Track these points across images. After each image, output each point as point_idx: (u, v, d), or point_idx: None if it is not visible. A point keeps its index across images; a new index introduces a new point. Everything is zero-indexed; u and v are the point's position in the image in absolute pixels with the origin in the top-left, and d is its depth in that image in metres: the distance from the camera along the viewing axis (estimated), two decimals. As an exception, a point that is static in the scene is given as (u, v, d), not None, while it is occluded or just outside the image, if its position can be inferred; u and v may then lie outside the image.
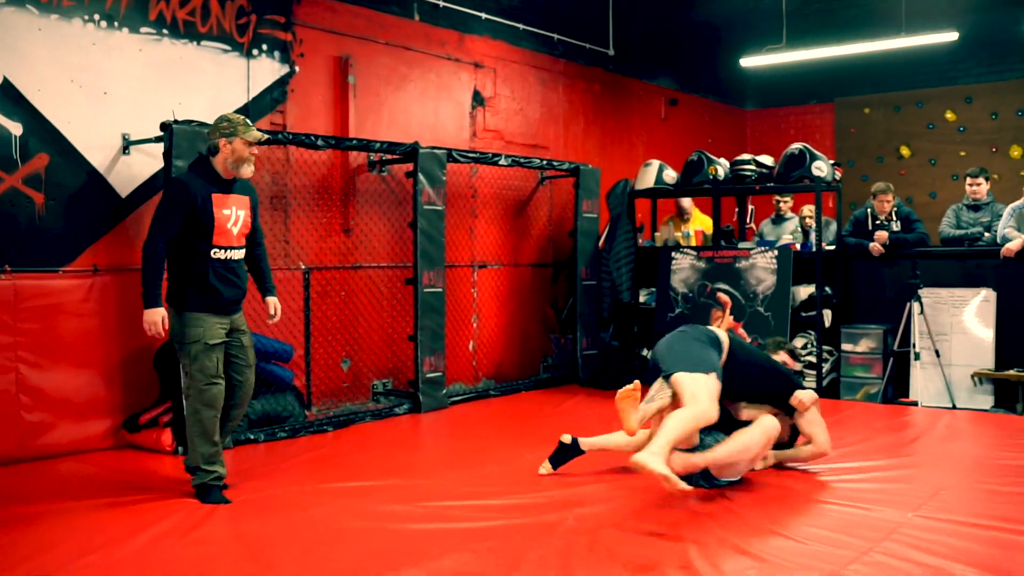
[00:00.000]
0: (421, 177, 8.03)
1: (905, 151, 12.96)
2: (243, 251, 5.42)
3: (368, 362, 8.33)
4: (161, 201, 5.28)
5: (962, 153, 12.51)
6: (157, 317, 5.10)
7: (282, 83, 7.76)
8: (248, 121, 5.30)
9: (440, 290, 8.18)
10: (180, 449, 6.31)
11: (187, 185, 5.14)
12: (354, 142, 7.70)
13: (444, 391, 8.24)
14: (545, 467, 5.81)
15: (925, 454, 6.34)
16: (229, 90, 7.39)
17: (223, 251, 5.25)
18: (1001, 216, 8.89)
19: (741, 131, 14.31)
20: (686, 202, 10.33)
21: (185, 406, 5.39)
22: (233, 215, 5.27)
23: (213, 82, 7.27)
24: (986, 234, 8.94)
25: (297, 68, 7.85)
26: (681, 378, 5.22)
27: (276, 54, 7.70)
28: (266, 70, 7.64)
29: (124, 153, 6.72)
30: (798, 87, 13.59)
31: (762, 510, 4.90)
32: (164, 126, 6.41)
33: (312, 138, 7.30)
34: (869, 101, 13.25)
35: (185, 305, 5.17)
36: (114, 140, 6.68)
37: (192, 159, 5.49)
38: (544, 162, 9.54)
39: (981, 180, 9.11)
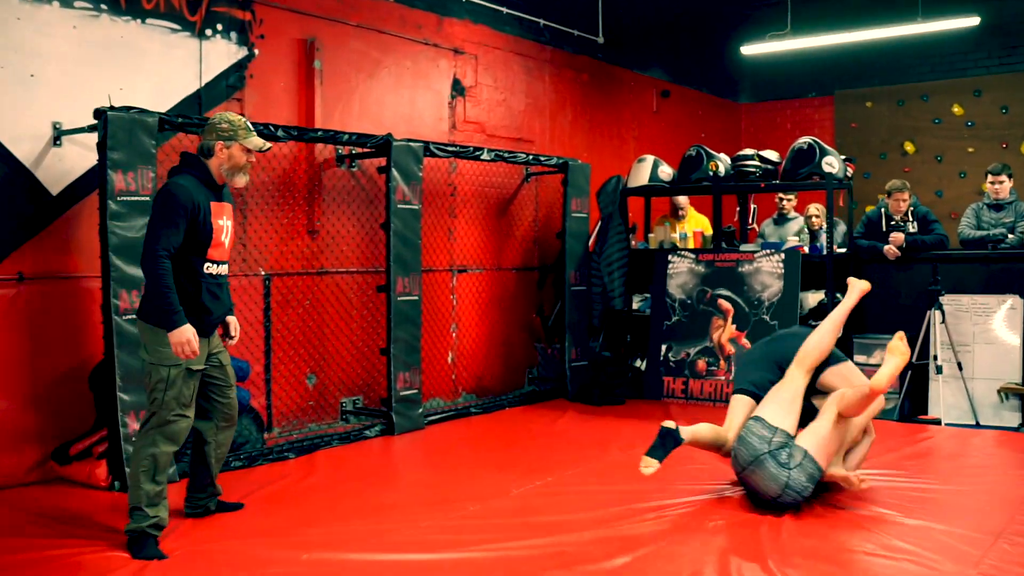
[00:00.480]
0: (395, 173, 7.24)
1: (909, 147, 12.25)
2: (229, 266, 4.89)
3: (336, 378, 7.54)
4: (160, 207, 4.56)
5: (970, 149, 11.82)
6: (189, 333, 4.46)
7: (239, 67, 6.95)
8: (250, 125, 4.80)
9: (416, 298, 7.39)
10: (116, 484, 5.50)
11: (190, 190, 4.58)
12: (319, 133, 6.89)
13: (420, 410, 7.44)
14: (650, 464, 5.06)
15: (964, 484, 5.59)
16: (178, 75, 6.58)
17: (216, 266, 4.73)
18: (1026, 216, 8.22)
19: (736, 125, 13.57)
20: (682, 199, 9.58)
21: (137, 436, 4.64)
22: (226, 226, 4.76)
23: (160, 65, 6.46)
24: (1010, 235, 8.23)
25: (256, 51, 7.04)
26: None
27: (233, 35, 6.89)
28: (221, 53, 6.83)
29: (55, 144, 5.90)
30: (796, 79, 12.86)
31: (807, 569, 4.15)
32: (98, 113, 5.59)
33: (272, 129, 6.48)
34: (871, 94, 12.53)
35: (173, 322, 4.52)
36: (43, 130, 5.85)
37: (123, 149, 4.70)
38: (529, 157, 8.77)
39: (1004, 177, 8.42)
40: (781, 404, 5.14)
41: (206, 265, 4.66)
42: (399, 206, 7.26)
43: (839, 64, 12.33)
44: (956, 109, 11.93)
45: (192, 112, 6.56)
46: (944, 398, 7.70)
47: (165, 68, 6.49)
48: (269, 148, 4.91)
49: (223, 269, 4.80)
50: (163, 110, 6.28)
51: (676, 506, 5.14)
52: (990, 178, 8.47)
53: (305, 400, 7.32)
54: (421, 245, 7.49)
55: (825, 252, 8.19)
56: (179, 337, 4.43)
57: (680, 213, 9.64)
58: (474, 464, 6.24)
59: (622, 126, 11.07)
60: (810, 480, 4.91)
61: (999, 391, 7.66)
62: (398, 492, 5.55)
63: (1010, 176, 8.44)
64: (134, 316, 5.06)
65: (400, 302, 7.26)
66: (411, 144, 7.38)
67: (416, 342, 7.40)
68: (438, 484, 5.70)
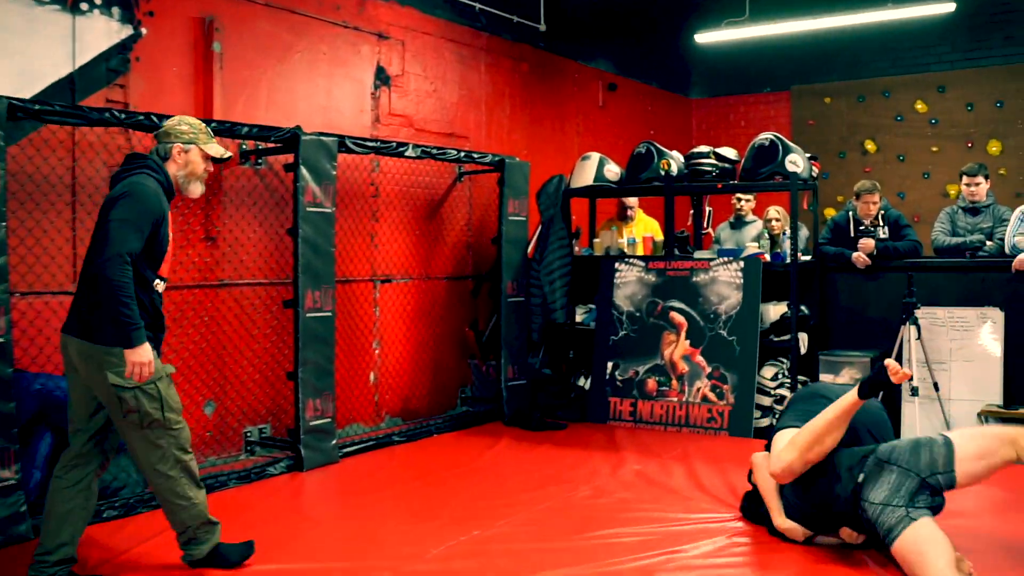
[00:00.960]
0: (304, 171, 6.33)
1: (870, 146, 11.54)
2: None
3: (238, 405, 6.59)
4: (127, 208, 4.05)
5: (934, 148, 11.14)
6: (150, 354, 4.05)
7: (123, 49, 5.99)
8: (210, 131, 4.48)
9: (328, 314, 6.48)
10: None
11: (160, 195, 4.21)
12: (213, 125, 5.94)
13: (333, 441, 6.53)
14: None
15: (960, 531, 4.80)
16: (46, 55, 5.61)
17: (162, 283, 4.29)
18: (1006, 221, 7.49)
19: (686, 122, 12.77)
20: (630, 201, 8.76)
21: (160, 464, 4.23)
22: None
23: (23, 44, 5.48)
24: (988, 242, 7.52)
25: (144, 30, 6.09)
26: None
27: (114, 11, 5.93)
28: (100, 31, 5.86)
29: None
30: (750, 73, 12.09)
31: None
32: (-74, 97, 4.65)
33: (156, 119, 5.54)
34: (830, 89, 11.79)
35: (134, 339, 4.04)
36: None
37: None
38: (461, 154, 7.89)
39: (980, 179, 7.69)
40: None
41: (156, 282, 4.21)
42: (309, 209, 6.35)
43: (796, 57, 11.59)
44: (919, 106, 11.24)
45: (65, 99, 5.60)
46: (919, 422, 6.96)
47: (29, 47, 5.52)
48: (229, 157, 4.56)
49: (162, 287, 4.31)
50: (27, 96, 5.34)
51: (627, 573, 4.29)
52: (965, 179, 7.74)
53: (202, 430, 6.37)
54: (335, 253, 6.59)
55: (788, 260, 7.40)
56: (140, 356, 3.99)
57: (629, 215, 8.83)
58: (390, 511, 5.33)
59: (565, 121, 10.22)
60: None
61: (979, 415, 6.93)
62: (297, 550, 4.63)
63: (986, 177, 7.72)
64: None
65: (309, 319, 6.34)
66: (323, 138, 6.48)
67: (328, 364, 6.49)
68: (343, 541, 4.79)
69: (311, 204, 6.36)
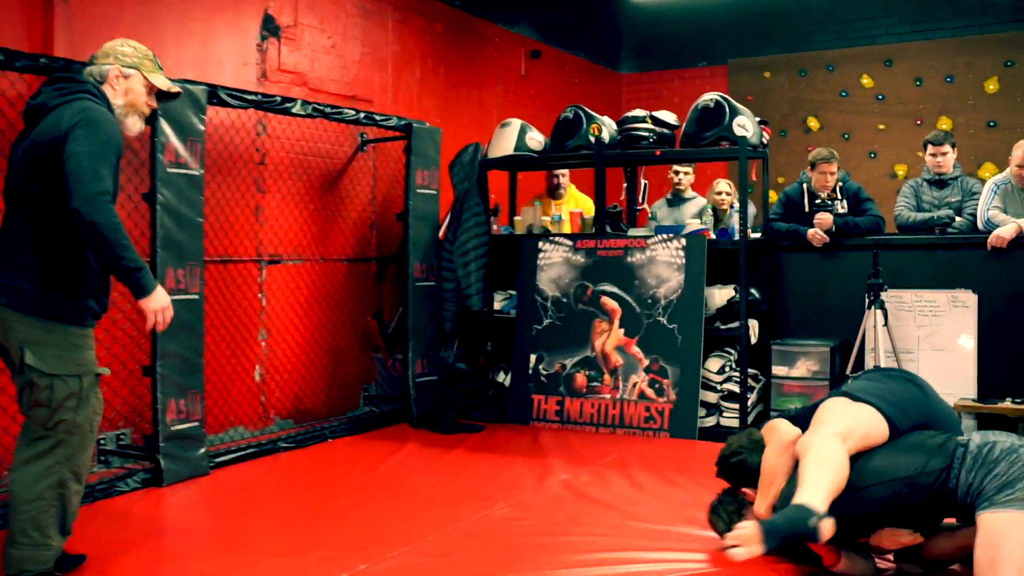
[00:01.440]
0: (163, 124, 5.23)
1: (813, 123, 10.73)
2: None
3: (86, 407, 5.46)
4: (90, 139, 3.44)
5: (881, 126, 10.36)
6: (167, 298, 3.65)
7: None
8: (158, 61, 3.91)
9: (195, 296, 5.38)
10: None
11: (116, 124, 3.67)
12: (43, 62, 4.83)
13: (202, 449, 5.42)
14: None
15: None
16: None
17: None
18: (976, 194, 6.69)
19: (616, 97, 11.83)
20: (561, 174, 7.79)
21: (41, 481, 3.45)
22: None
23: None
24: (958, 218, 6.70)
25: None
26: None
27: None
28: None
29: None
30: (685, 46, 11.17)
31: None
32: None
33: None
34: (770, 63, 10.96)
35: (76, 313, 3.54)
36: None
37: None
38: (361, 115, 6.84)
39: (947, 148, 6.90)
40: None
41: None
42: (170, 170, 5.25)
43: (734, 29, 10.68)
44: (865, 81, 10.46)
45: None
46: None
47: None
48: (179, 94, 4.06)
49: None
50: None
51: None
52: (931, 149, 6.92)
53: (40, 439, 5.22)
54: (207, 227, 5.52)
55: (737, 236, 6.49)
56: (160, 302, 3.59)
57: (559, 192, 7.85)
58: (258, 539, 4.23)
59: (484, 89, 9.20)
60: None
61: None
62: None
63: (953, 146, 6.91)
64: None
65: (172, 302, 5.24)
66: (188, 86, 5.37)
67: (196, 357, 5.39)
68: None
69: (173, 164, 5.26)
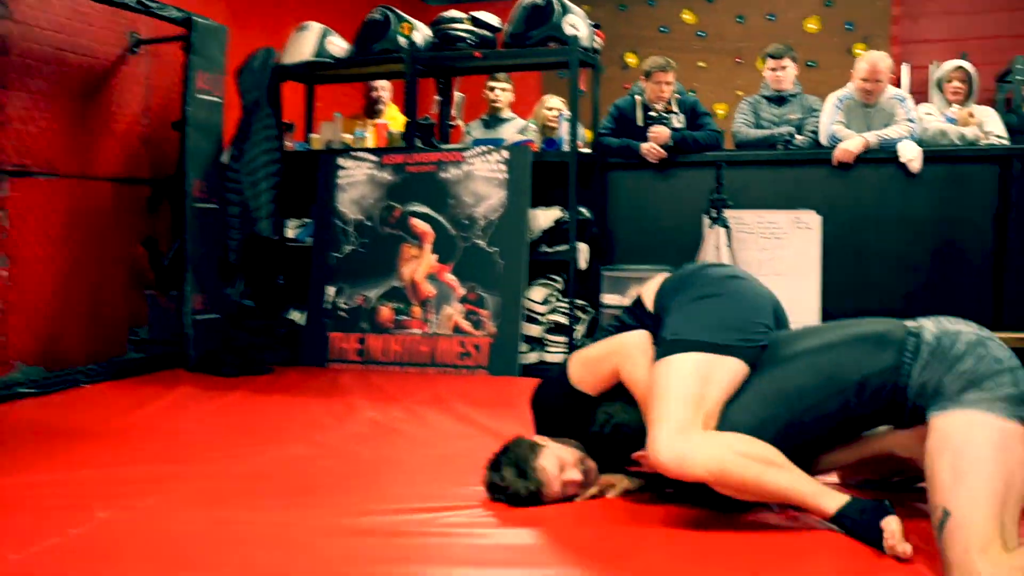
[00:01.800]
0: None
1: (632, 59, 10.17)
2: None
3: None
4: None
5: (701, 63, 9.89)
6: None
7: None
8: None
9: None
10: None
11: None
12: None
13: (-97, 390, 4.26)
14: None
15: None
16: None
17: None
18: (817, 111, 6.20)
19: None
20: (381, 86, 6.88)
21: None
22: None
23: None
24: (798, 136, 6.18)
25: None
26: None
27: None
28: None
29: None
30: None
31: None
32: None
33: None
34: (588, -5, 10.35)
35: None
36: None
37: None
38: (134, 2, 5.72)
39: (787, 61, 6.39)
40: None
41: None
42: None
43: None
44: (687, 16, 9.96)
45: None
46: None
47: None
48: None
49: None
50: None
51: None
52: (771, 63, 6.41)
53: None
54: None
55: (567, 148, 5.75)
56: None
57: (378, 108, 6.93)
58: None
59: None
60: None
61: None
62: None
63: (795, 60, 6.40)
64: None
65: None
66: None
67: None
68: None
69: None
